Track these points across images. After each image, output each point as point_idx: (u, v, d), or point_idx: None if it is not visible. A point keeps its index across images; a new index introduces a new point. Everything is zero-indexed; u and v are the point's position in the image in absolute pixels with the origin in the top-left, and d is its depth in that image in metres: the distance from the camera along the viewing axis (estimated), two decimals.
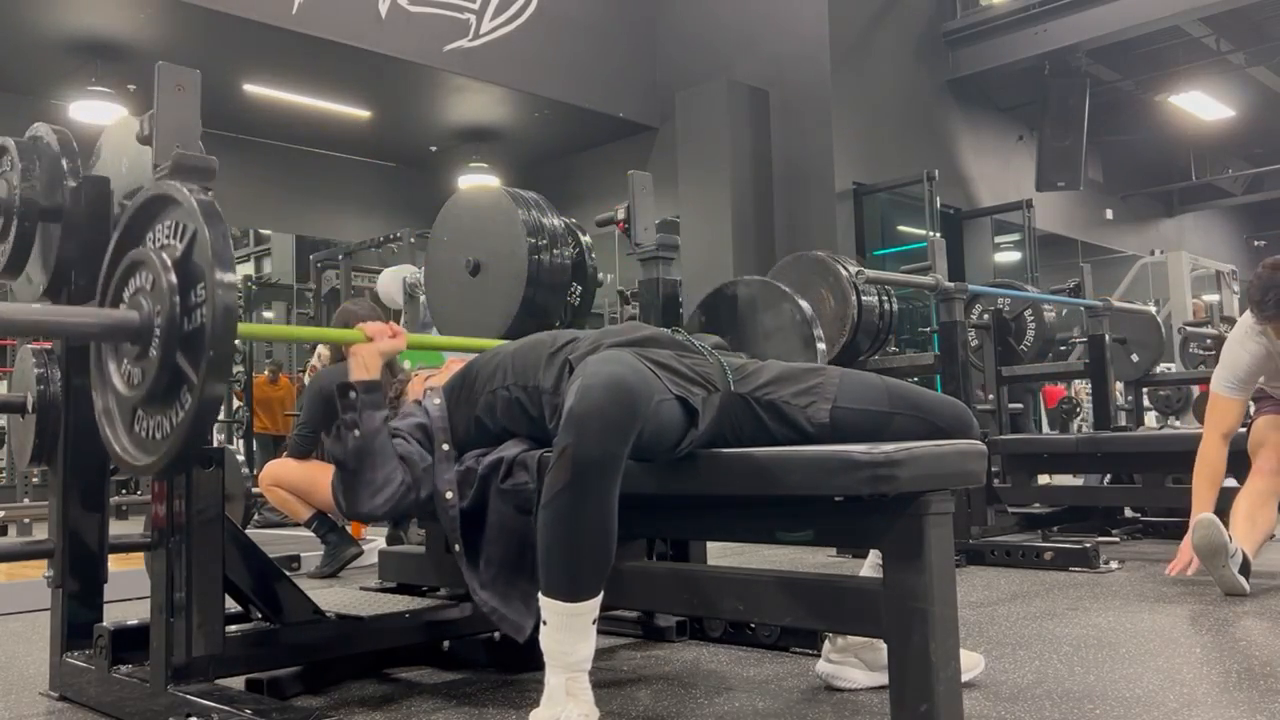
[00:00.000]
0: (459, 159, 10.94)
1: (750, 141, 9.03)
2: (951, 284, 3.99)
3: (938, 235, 5.89)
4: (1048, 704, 1.86)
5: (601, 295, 3.71)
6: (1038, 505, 4.59)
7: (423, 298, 4.61)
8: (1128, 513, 4.79)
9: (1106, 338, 4.83)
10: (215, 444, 2.05)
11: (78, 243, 2.11)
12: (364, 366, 1.95)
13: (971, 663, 2.02)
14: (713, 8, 9.86)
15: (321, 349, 6.01)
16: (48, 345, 2.25)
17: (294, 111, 9.68)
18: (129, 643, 2.01)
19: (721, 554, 3.86)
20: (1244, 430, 3.29)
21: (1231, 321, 6.64)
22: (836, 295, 4.12)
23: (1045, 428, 9.48)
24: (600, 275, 2.77)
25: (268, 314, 12.95)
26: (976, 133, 10.78)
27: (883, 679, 1.88)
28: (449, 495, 1.87)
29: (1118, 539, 4.39)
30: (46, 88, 8.74)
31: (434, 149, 11.13)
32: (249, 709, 1.69)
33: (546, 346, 1.89)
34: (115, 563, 2.30)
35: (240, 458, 8.27)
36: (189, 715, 1.73)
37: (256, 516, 5.59)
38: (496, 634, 2.29)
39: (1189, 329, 8.08)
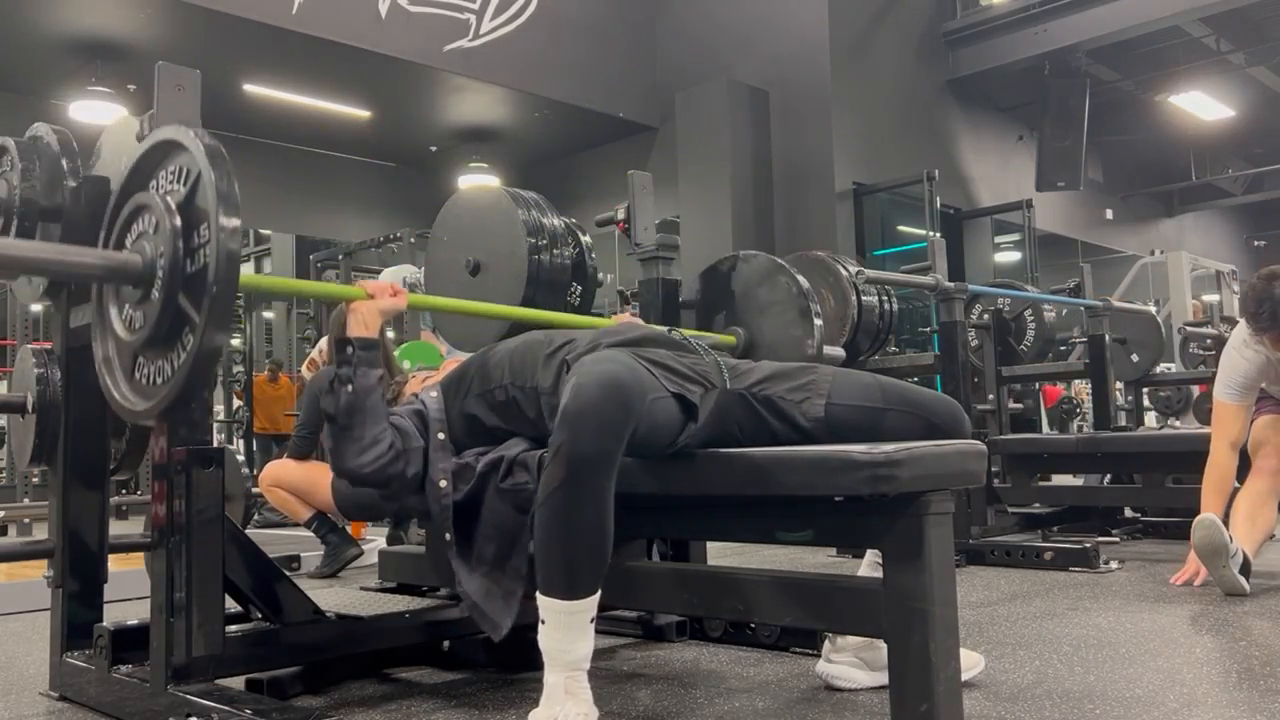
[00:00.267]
0: (459, 159, 10.94)
1: (750, 141, 9.03)
2: (951, 284, 3.99)
3: (938, 235, 5.89)
4: (1048, 704, 1.86)
5: (601, 295, 3.71)
6: (1038, 505, 4.59)
7: None
8: (1128, 513, 4.79)
9: (1106, 338, 4.83)
10: (215, 444, 2.04)
11: (78, 243, 2.10)
12: (363, 323, 1.92)
13: (971, 662, 2.02)
14: (713, 8, 9.85)
15: (321, 345, 6.00)
16: (48, 345, 2.24)
17: (294, 111, 9.67)
18: (129, 643, 2.01)
19: (721, 554, 3.86)
20: None
21: (1232, 321, 6.65)
22: (836, 295, 4.12)
23: (1045, 427, 9.48)
24: (600, 275, 2.77)
25: (268, 314, 12.96)
26: (976, 133, 10.77)
27: (883, 679, 1.88)
28: (442, 484, 1.87)
29: (1118, 539, 4.40)
30: (46, 88, 8.73)
31: (434, 149, 11.13)
32: (249, 709, 1.69)
33: (544, 347, 1.90)
34: (115, 563, 2.30)
35: (240, 458, 8.29)
36: (189, 715, 1.73)
37: (256, 516, 5.59)
38: None
39: (1189, 329, 8.07)
